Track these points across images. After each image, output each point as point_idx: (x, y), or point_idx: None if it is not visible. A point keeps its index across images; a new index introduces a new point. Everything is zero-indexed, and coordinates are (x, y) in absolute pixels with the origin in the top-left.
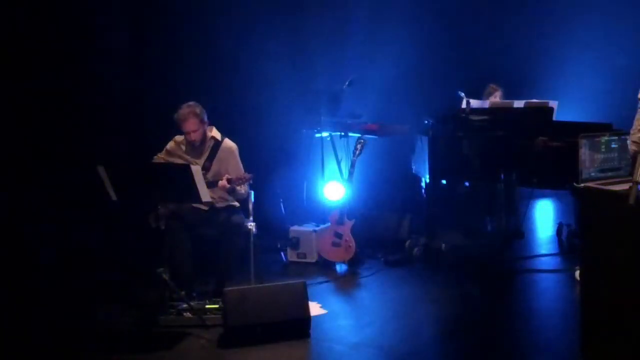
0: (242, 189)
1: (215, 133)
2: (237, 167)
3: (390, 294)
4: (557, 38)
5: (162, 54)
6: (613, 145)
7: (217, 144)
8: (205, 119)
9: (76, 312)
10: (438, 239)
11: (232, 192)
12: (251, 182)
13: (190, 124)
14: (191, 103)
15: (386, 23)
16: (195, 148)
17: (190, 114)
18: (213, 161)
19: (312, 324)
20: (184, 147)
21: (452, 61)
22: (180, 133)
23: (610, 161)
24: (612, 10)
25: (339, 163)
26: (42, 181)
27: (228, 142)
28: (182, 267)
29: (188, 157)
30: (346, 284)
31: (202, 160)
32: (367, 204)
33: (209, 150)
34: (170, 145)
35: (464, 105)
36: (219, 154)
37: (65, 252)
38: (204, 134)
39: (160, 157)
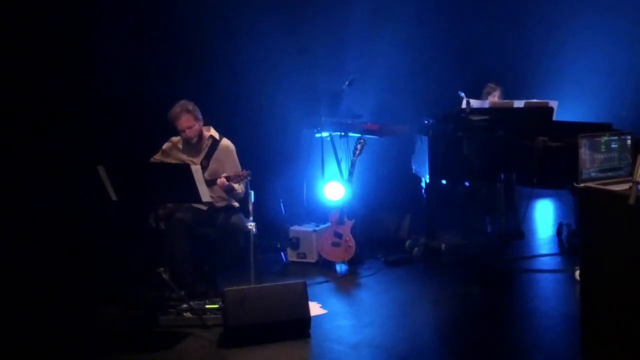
0: (239, 188)
1: (213, 132)
2: (234, 166)
3: (390, 294)
4: (557, 38)
5: (162, 55)
6: (613, 145)
7: (215, 143)
8: (199, 115)
9: (76, 312)
10: (438, 239)
11: (229, 191)
12: (249, 178)
13: (184, 121)
14: (182, 101)
15: (386, 23)
16: (192, 146)
17: (183, 111)
18: (210, 160)
19: (312, 324)
20: (181, 147)
21: (452, 61)
22: (177, 134)
23: (610, 161)
24: (611, 10)
25: (339, 163)
26: (42, 181)
27: (226, 142)
28: (182, 267)
29: (184, 157)
30: (346, 284)
31: (199, 159)
32: (367, 204)
33: (206, 149)
34: (166, 145)
35: (464, 105)
36: (217, 153)
37: (65, 252)
38: (200, 132)
39: (156, 159)
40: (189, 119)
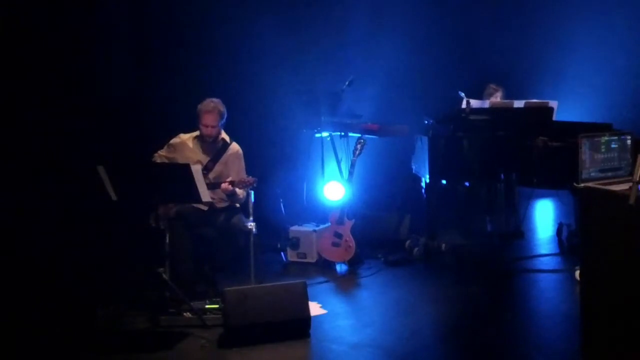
0: (241, 193)
1: (224, 135)
2: (239, 171)
3: (390, 294)
4: (557, 38)
5: (163, 55)
6: (613, 145)
7: (225, 145)
8: (224, 122)
9: (76, 312)
10: (438, 239)
11: (232, 195)
12: (255, 185)
13: (212, 118)
14: (217, 100)
15: (386, 23)
16: (205, 146)
17: (216, 109)
18: (217, 162)
19: (312, 324)
20: (191, 145)
21: (452, 61)
22: (186, 131)
23: (610, 161)
24: (611, 10)
25: (339, 163)
26: (42, 181)
27: (235, 146)
28: (182, 267)
29: (192, 155)
30: (346, 284)
31: (207, 159)
32: (367, 204)
33: (216, 150)
34: (174, 140)
35: (464, 105)
36: (225, 156)
37: (65, 252)
38: (218, 135)
39: (161, 155)
40: (216, 119)
